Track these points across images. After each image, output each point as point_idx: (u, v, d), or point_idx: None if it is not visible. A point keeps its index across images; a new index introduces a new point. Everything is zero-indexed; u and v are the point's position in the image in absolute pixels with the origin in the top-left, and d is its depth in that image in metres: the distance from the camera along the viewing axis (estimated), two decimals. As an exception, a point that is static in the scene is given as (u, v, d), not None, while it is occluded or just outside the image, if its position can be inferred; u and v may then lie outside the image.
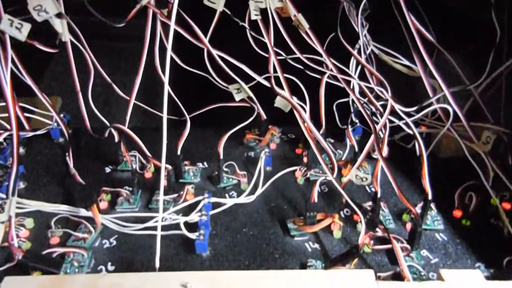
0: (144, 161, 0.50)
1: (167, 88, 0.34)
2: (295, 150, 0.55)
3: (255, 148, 0.54)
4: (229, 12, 0.48)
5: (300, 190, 0.48)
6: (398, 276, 0.34)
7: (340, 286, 0.31)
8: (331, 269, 0.35)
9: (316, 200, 0.40)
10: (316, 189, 0.41)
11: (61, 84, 0.70)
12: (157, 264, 0.35)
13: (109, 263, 0.38)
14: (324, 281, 0.32)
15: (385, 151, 0.52)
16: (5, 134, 0.43)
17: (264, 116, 0.54)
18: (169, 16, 0.46)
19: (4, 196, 0.43)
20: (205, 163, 0.52)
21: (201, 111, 0.56)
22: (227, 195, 0.47)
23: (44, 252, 0.38)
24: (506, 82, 0.47)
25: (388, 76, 0.53)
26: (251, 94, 0.52)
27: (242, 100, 0.53)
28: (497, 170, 0.41)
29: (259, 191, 0.46)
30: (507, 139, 0.46)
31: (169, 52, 0.34)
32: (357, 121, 0.56)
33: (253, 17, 0.46)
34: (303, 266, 0.37)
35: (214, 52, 0.48)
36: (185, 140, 0.49)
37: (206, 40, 0.47)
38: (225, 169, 0.49)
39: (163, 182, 0.34)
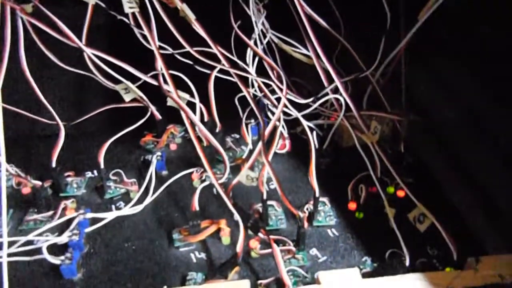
0: (22, 175, 0.45)
1: None
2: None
3: (152, 151, 0.51)
4: (103, 5, 0.44)
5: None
6: (280, 282, 0.32)
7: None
8: (208, 282, 0.33)
9: (197, 208, 0.38)
10: (196, 195, 0.38)
11: None
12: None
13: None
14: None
15: (287, 144, 0.50)
16: None
17: (158, 116, 0.51)
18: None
19: None
20: (95, 171, 0.48)
21: (88, 115, 0.52)
22: (113, 206, 0.43)
23: None
24: (406, 66, 0.46)
25: (294, 66, 0.52)
26: (141, 94, 0.48)
27: (135, 100, 0.50)
28: (384, 159, 0.40)
29: (149, 199, 0.43)
30: (400, 127, 0.46)
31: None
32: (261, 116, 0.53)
33: (127, 10, 0.42)
34: (184, 280, 0.35)
35: (89, 51, 0.44)
36: (74, 148, 0.44)
37: (75, 38, 0.42)
38: (113, 178, 0.45)
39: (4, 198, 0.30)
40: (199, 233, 0.37)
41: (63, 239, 0.37)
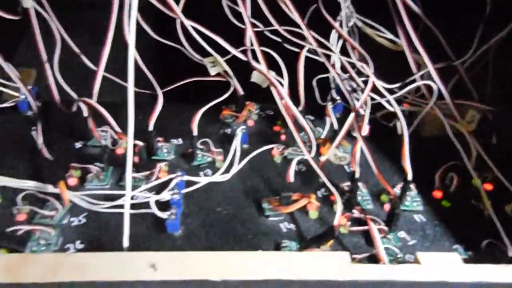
0: (116, 137, 0.48)
1: (132, 59, 0.32)
2: (273, 127, 0.53)
3: (231, 125, 0.53)
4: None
5: (277, 169, 0.47)
6: (374, 258, 0.34)
7: (315, 268, 0.31)
8: (305, 250, 0.35)
9: (292, 180, 0.39)
10: (293, 168, 0.40)
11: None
12: (126, 244, 0.33)
13: (78, 241, 0.37)
14: (298, 262, 0.31)
15: (366, 129, 0.51)
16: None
17: (240, 91, 0.52)
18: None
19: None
20: (179, 139, 0.50)
21: (174, 85, 0.54)
22: (201, 173, 0.45)
23: (8, 230, 0.36)
24: (493, 58, 0.46)
25: (372, 51, 0.52)
26: (227, 68, 0.50)
27: (218, 75, 0.51)
28: (480, 151, 0.40)
29: (235, 169, 0.45)
30: (491, 118, 0.46)
31: (134, 21, 0.31)
32: (338, 98, 0.54)
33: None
34: (278, 247, 0.37)
35: (187, 23, 0.46)
36: (160, 115, 0.47)
37: (178, 10, 0.44)
38: (200, 146, 0.47)
39: (130, 158, 0.32)
40: (290, 204, 0.39)
41: (166, 196, 0.39)
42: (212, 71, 0.50)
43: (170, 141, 0.49)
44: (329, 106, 0.50)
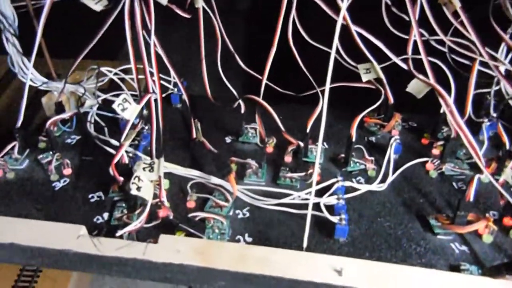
0: (263, 136, 0.49)
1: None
2: (418, 139, 0.51)
3: (376, 133, 0.51)
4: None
5: (433, 185, 0.44)
6: None
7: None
8: (493, 277, 0.32)
9: (472, 199, 0.37)
10: (474, 186, 0.37)
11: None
12: (305, 244, 0.34)
13: (246, 234, 0.38)
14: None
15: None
16: (149, 96, 0.43)
17: (391, 99, 0.51)
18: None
19: (140, 154, 0.45)
20: (325, 143, 0.50)
21: (320, 89, 0.53)
22: (353, 179, 0.45)
23: (189, 215, 0.38)
24: None
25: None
26: (382, 76, 0.49)
27: (368, 82, 0.50)
28: None
29: (390, 179, 0.44)
30: None
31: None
32: (494, 114, 0.50)
33: None
34: (454, 268, 0.35)
35: (353, 28, 0.45)
36: (303, 117, 0.47)
37: (347, 15, 0.44)
38: (353, 153, 0.47)
39: (318, 160, 0.33)
40: (465, 224, 0.37)
41: (332, 200, 0.39)
42: (365, 78, 0.49)
43: (316, 144, 0.49)
44: (500, 125, 0.46)
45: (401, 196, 0.43)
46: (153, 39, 0.42)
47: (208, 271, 0.31)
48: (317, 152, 0.32)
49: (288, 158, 0.46)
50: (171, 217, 0.37)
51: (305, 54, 0.59)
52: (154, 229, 0.37)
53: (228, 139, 0.51)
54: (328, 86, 0.33)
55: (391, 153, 0.46)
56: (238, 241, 0.37)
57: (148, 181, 0.37)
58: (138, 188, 0.36)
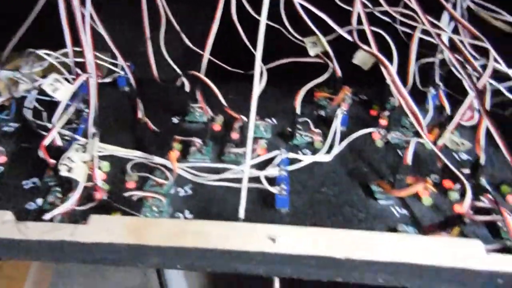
0: (211, 113, 0.48)
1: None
2: (368, 111, 0.51)
3: (326, 107, 0.51)
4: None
5: (379, 153, 0.44)
6: (507, 251, 0.31)
7: (446, 254, 0.29)
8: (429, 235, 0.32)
9: (409, 163, 0.37)
10: (411, 150, 0.38)
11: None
12: (242, 215, 0.33)
13: (187, 211, 0.37)
14: (425, 247, 0.29)
15: (476, 118, 0.47)
16: (84, 77, 0.41)
17: (339, 73, 0.51)
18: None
19: (81, 138, 0.43)
20: (273, 119, 0.49)
21: (270, 65, 0.53)
22: (300, 152, 0.44)
23: (125, 194, 0.37)
24: None
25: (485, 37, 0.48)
26: (329, 49, 0.48)
27: (316, 56, 0.50)
28: None
29: (336, 150, 0.44)
30: None
31: None
32: (440, 84, 0.51)
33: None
34: (393, 231, 0.35)
35: (296, 0, 0.44)
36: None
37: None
38: (298, 126, 0.46)
39: (252, 131, 0.32)
40: (403, 188, 0.37)
41: (274, 172, 0.38)
42: (312, 52, 0.49)
43: (266, 120, 0.49)
44: (441, 91, 0.46)
45: (346, 166, 0.43)
46: (88, 16, 0.40)
47: (139, 249, 0.30)
48: (249, 125, 0.32)
49: (235, 135, 0.45)
50: (104, 197, 0.35)
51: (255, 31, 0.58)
52: (91, 212, 0.36)
53: (175, 120, 0.50)
54: (258, 60, 0.32)
55: (337, 125, 0.46)
56: (178, 218, 0.36)
57: (81, 162, 0.36)
58: (69, 170, 0.34)
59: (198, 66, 0.49)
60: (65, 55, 0.54)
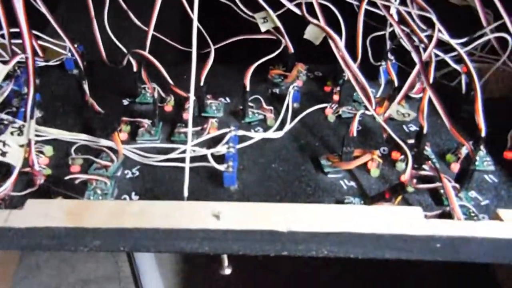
0: (163, 94, 0.47)
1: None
2: (322, 88, 0.51)
3: (280, 85, 0.51)
4: None
5: (331, 128, 0.45)
6: (447, 216, 0.31)
7: (386, 221, 0.29)
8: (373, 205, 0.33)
9: (355, 134, 0.37)
10: (356, 122, 0.38)
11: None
12: (186, 193, 0.32)
13: (133, 193, 0.36)
14: (367, 215, 0.30)
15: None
16: (18, 57, 0.39)
17: (291, 49, 0.50)
18: None
19: (19, 121, 0.41)
20: (227, 98, 0.49)
21: (222, 43, 0.51)
22: (252, 130, 0.44)
23: (66, 178, 0.35)
24: None
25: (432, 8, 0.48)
26: (279, 24, 0.48)
27: (268, 32, 0.49)
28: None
29: (288, 126, 0.43)
30: None
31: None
32: (392, 57, 0.51)
33: None
34: (340, 203, 0.35)
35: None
36: (207, 74, 0.45)
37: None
38: (250, 104, 0.46)
39: (192, 109, 0.31)
40: (351, 160, 0.37)
41: (222, 150, 0.38)
42: (263, 27, 0.48)
43: (219, 99, 0.48)
44: (389, 64, 0.46)
45: (298, 142, 0.42)
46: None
47: (79, 231, 0.29)
48: (190, 104, 0.31)
49: (186, 115, 0.44)
50: (41, 181, 0.34)
51: (208, 9, 0.56)
52: (32, 197, 0.34)
53: (125, 101, 0.48)
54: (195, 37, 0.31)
55: (289, 101, 0.45)
56: (124, 200, 0.35)
57: (17, 145, 0.34)
58: (3, 154, 0.33)
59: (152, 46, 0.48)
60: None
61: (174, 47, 0.53)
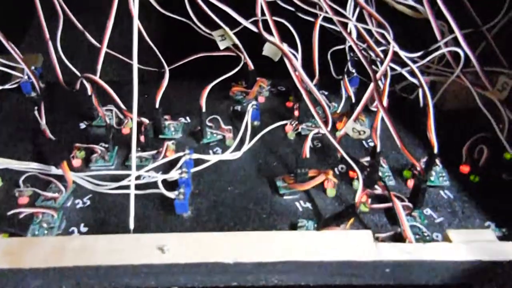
0: (121, 116, 0.46)
1: (136, 33, 0.29)
2: (285, 103, 0.51)
3: (242, 102, 0.50)
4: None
5: (291, 146, 0.44)
6: (399, 237, 0.31)
7: (335, 248, 0.28)
8: (324, 229, 0.32)
9: (308, 155, 0.37)
10: (308, 143, 0.37)
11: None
12: (131, 225, 0.31)
13: (82, 224, 0.35)
14: (316, 242, 0.29)
15: (385, 102, 0.48)
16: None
17: (251, 66, 0.50)
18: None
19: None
20: (187, 118, 0.48)
21: (181, 62, 0.51)
22: (211, 151, 0.43)
23: (9, 213, 0.34)
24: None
25: (389, 20, 0.48)
26: (237, 41, 0.47)
27: (227, 49, 0.48)
28: None
29: (246, 147, 0.43)
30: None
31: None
32: (353, 70, 0.51)
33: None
34: (294, 226, 0.34)
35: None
36: (166, 93, 0.44)
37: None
38: (209, 124, 0.45)
39: (135, 136, 0.30)
40: (306, 181, 0.37)
41: (174, 175, 0.37)
42: (222, 45, 0.47)
43: (178, 119, 0.47)
44: (346, 79, 0.46)
45: (256, 162, 0.42)
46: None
47: (17, 273, 0.28)
48: (133, 125, 0.30)
49: (143, 138, 0.43)
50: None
51: (160, 27, 0.56)
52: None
53: (82, 125, 0.47)
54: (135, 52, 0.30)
55: (248, 120, 0.45)
56: (72, 233, 0.34)
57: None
58: None
59: (111, 67, 0.47)
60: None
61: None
